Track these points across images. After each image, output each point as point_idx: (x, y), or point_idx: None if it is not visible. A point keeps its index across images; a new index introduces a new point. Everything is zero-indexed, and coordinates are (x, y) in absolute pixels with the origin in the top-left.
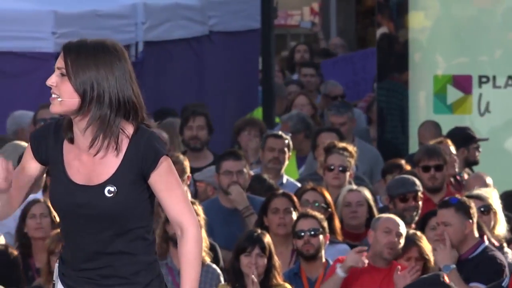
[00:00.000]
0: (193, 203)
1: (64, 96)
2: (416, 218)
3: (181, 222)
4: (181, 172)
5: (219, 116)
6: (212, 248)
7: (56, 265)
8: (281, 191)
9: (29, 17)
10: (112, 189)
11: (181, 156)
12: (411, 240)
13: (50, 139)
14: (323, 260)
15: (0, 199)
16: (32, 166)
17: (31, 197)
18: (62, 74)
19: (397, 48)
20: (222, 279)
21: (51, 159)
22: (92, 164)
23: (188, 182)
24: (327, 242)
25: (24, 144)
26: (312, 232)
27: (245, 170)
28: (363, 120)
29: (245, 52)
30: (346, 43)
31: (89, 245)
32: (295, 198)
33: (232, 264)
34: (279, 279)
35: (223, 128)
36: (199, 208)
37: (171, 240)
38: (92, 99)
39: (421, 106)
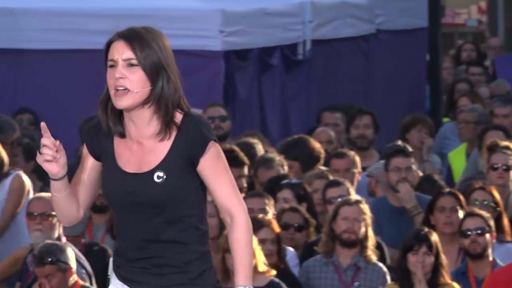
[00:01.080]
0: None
1: (136, 86)
2: None
3: (230, 208)
4: (351, 166)
5: (385, 115)
6: (378, 247)
7: (111, 259)
8: (447, 189)
9: (197, 16)
10: (161, 174)
11: (352, 152)
12: None
13: (102, 133)
14: (490, 259)
15: (62, 200)
16: (90, 162)
17: None
18: (131, 65)
19: None
20: (388, 278)
21: (103, 153)
22: (142, 152)
23: (359, 178)
24: (494, 241)
25: None
26: (479, 231)
27: (413, 167)
28: None
29: (412, 51)
30: None
31: (140, 233)
32: (461, 197)
33: (399, 262)
34: (446, 278)
35: (389, 127)
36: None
37: (337, 239)
38: (163, 85)
39: None
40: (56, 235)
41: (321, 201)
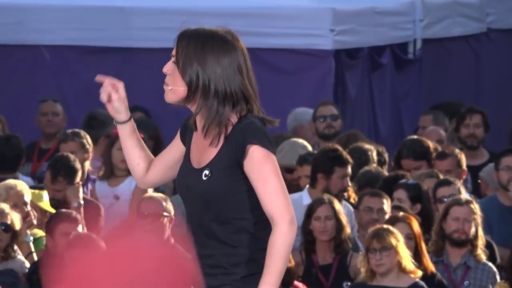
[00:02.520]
0: None
1: (174, 84)
2: None
3: (272, 215)
4: (454, 167)
5: (495, 115)
6: (488, 246)
7: None
8: None
9: (307, 14)
10: (207, 172)
11: (457, 150)
12: None
13: (189, 126)
14: None
15: (125, 147)
16: (176, 144)
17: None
18: (174, 62)
19: None
20: (498, 277)
21: (186, 145)
22: (203, 149)
23: (464, 177)
24: None
25: (302, 141)
26: None
27: None
28: None
29: None
30: None
31: (196, 227)
32: None
33: (509, 261)
34: None
35: (499, 127)
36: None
37: (447, 238)
38: (197, 88)
39: None
40: (165, 235)
41: (432, 200)
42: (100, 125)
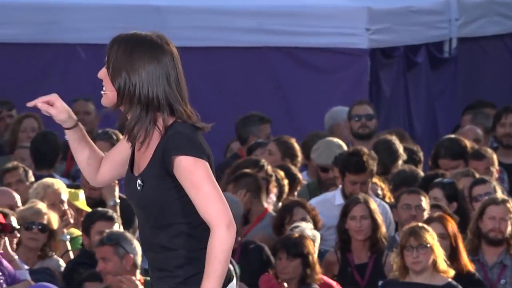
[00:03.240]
0: None
1: (107, 89)
2: None
3: (208, 221)
4: (490, 166)
5: None
6: None
7: None
8: None
9: (343, 13)
10: (139, 182)
11: (489, 150)
12: None
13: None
14: None
15: (73, 149)
16: (123, 145)
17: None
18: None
19: None
20: None
21: (131, 147)
22: (139, 156)
23: (497, 175)
24: None
25: (338, 141)
26: None
27: None
28: None
29: None
30: None
31: (142, 234)
32: None
33: None
34: None
35: None
36: None
37: (483, 237)
38: (124, 93)
39: None
40: None
41: (467, 198)
42: None
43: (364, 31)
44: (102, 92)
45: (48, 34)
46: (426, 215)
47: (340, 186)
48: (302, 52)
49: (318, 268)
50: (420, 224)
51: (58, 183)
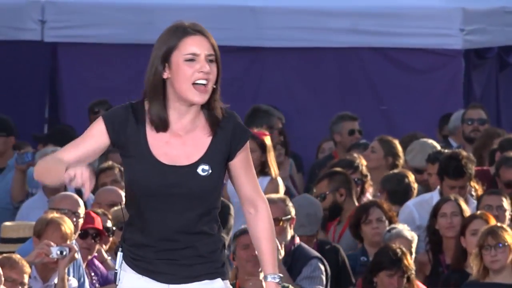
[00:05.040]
0: None
1: (213, 82)
2: None
3: (256, 200)
4: None
5: None
6: None
7: (120, 253)
8: None
9: (437, 14)
10: (206, 167)
11: None
12: None
13: (131, 122)
14: None
15: (46, 162)
16: (101, 140)
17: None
18: (211, 61)
19: None
20: None
21: (131, 140)
22: (182, 145)
23: None
24: None
25: (432, 142)
26: None
27: None
28: None
29: None
30: None
31: (174, 225)
32: None
33: None
34: None
35: None
36: None
37: None
38: (217, 82)
39: None
40: (289, 236)
41: None
42: (264, 116)
43: (458, 32)
44: (206, 86)
45: (144, 35)
46: (508, 215)
47: (438, 187)
48: (396, 52)
49: (416, 285)
50: (499, 224)
51: None
